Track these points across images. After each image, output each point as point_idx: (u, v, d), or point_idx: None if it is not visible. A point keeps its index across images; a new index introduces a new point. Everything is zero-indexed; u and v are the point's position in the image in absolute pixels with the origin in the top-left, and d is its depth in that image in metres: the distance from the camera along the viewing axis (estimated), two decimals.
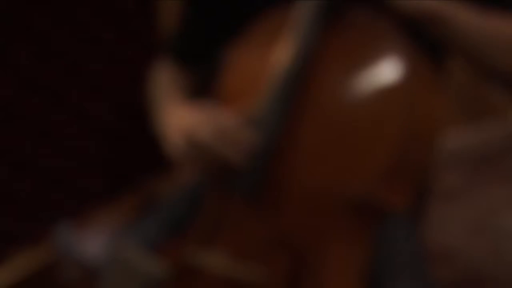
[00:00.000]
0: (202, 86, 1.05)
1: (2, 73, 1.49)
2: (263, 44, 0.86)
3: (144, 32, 1.83)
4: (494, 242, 1.90)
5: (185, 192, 1.12)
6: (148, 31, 1.82)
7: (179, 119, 0.86)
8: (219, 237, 0.81)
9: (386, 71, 0.77)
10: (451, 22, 0.80)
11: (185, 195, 1.08)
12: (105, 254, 1.07)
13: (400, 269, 0.91)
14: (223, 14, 1.04)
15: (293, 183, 0.79)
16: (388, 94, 0.75)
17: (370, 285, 0.84)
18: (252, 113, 0.79)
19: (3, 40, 1.45)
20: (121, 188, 1.93)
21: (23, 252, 1.72)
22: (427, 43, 0.81)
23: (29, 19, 1.50)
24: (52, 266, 1.73)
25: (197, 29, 1.08)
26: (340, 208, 0.76)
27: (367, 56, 0.79)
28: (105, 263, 0.54)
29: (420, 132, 0.77)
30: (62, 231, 1.67)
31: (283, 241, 0.78)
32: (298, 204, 0.78)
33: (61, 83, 1.64)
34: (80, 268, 1.73)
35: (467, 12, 0.81)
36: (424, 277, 0.95)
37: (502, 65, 0.83)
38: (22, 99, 1.56)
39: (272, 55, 0.83)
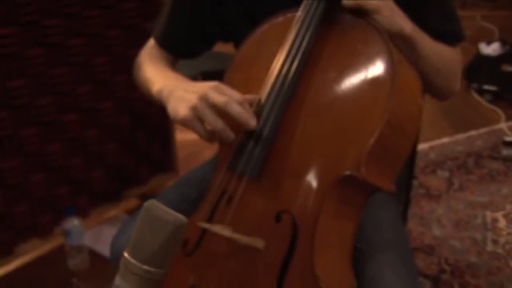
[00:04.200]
0: None
1: (21, 79, 1.54)
2: (270, 42, 0.91)
3: None
4: (473, 235, 1.93)
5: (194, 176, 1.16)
6: None
7: (190, 84, 0.88)
8: (227, 212, 0.85)
9: (371, 66, 0.82)
10: (416, 42, 0.89)
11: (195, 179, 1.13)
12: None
13: (385, 241, 0.95)
14: (211, 20, 1.07)
15: (291, 163, 0.83)
16: (376, 82, 0.80)
17: (357, 256, 0.89)
18: (257, 100, 0.84)
19: (23, 46, 1.50)
20: (127, 185, 1.97)
21: (37, 240, 1.75)
22: None
23: (50, 27, 1.56)
24: (62, 253, 1.77)
25: (184, 30, 1.10)
26: (332, 186, 0.80)
27: (355, 52, 0.84)
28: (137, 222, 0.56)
29: (403, 114, 0.82)
30: (73, 221, 1.71)
31: (280, 217, 0.83)
32: (294, 181, 0.82)
33: (78, 87, 1.69)
34: (87, 255, 1.76)
35: (427, 37, 0.93)
36: (408, 252, 0.99)
37: (442, 79, 1.00)
38: (43, 103, 1.61)
39: (278, 52, 0.88)
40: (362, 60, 0.83)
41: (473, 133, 2.75)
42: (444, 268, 1.76)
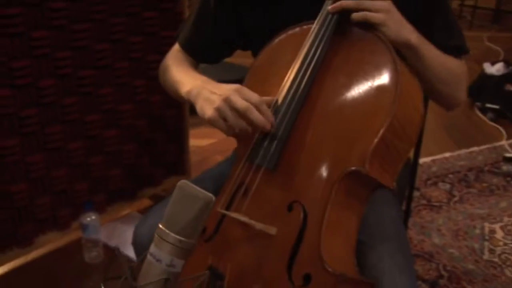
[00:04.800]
0: None
1: (50, 79, 1.64)
2: (286, 51, 1.01)
3: None
4: (471, 244, 2.01)
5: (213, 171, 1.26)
6: None
7: (215, 86, 0.97)
8: (244, 202, 0.95)
9: (377, 74, 0.92)
10: (422, 53, 0.99)
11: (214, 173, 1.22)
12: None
13: (386, 234, 1.03)
14: (231, 31, 1.17)
15: (303, 158, 0.92)
16: (381, 88, 0.90)
17: (360, 248, 0.97)
18: (274, 101, 0.94)
19: (54, 49, 1.60)
20: (142, 185, 2.05)
21: (55, 232, 1.83)
22: None
23: (78, 32, 1.66)
24: (78, 246, 1.85)
25: (206, 38, 1.20)
26: (340, 180, 0.90)
27: (363, 61, 0.94)
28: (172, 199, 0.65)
29: (405, 118, 0.91)
30: (90, 216, 1.80)
31: (292, 207, 0.92)
32: (306, 175, 0.92)
33: (101, 89, 1.79)
34: (101, 248, 1.85)
35: (432, 48, 1.01)
36: (406, 244, 1.08)
37: (447, 88, 1.07)
38: (68, 102, 1.70)
39: (294, 60, 0.97)
40: (369, 68, 0.93)
41: (475, 149, 2.83)
42: (442, 274, 1.84)
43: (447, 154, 2.75)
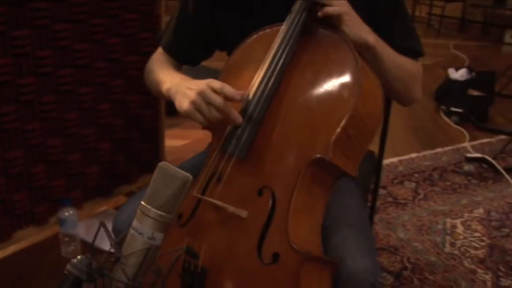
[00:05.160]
0: None
1: (30, 77, 1.69)
2: (258, 50, 1.08)
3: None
4: (434, 238, 2.12)
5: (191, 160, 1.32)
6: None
7: (192, 82, 1.04)
8: (217, 187, 1.02)
9: (340, 70, 1.00)
10: (379, 52, 1.08)
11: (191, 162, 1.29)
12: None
13: (349, 220, 1.12)
14: (209, 33, 1.25)
15: (272, 147, 1.00)
16: (343, 83, 0.99)
17: (325, 232, 1.05)
18: (246, 95, 1.01)
19: (34, 48, 1.65)
20: (118, 182, 2.10)
21: (33, 228, 1.86)
22: None
23: (59, 32, 1.72)
24: (56, 241, 1.91)
25: (187, 40, 1.27)
26: (306, 167, 0.98)
27: (328, 58, 1.03)
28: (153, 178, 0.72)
29: (365, 111, 1.00)
30: (68, 210, 1.85)
31: (262, 192, 1.00)
32: (274, 162, 0.99)
33: (80, 88, 1.85)
34: (78, 244, 1.89)
35: (389, 48, 1.11)
36: (369, 232, 1.16)
37: (401, 86, 1.17)
38: (47, 100, 1.75)
39: (264, 58, 1.05)
40: (332, 65, 1.01)
41: (439, 150, 2.96)
42: (406, 266, 1.94)
43: (413, 155, 2.87)
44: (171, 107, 2.69)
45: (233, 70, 1.12)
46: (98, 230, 0.74)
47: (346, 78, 1.00)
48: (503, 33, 5.67)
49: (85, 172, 1.97)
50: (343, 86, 0.99)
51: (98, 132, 1.95)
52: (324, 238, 1.03)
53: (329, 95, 1.00)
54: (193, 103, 0.98)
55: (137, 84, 1.99)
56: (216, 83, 1.00)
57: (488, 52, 5.30)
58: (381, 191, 2.46)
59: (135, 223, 0.75)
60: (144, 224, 0.74)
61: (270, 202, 0.98)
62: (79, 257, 0.70)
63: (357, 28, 1.03)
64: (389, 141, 3.00)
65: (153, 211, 0.74)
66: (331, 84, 1.00)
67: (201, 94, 0.98)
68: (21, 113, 1.69)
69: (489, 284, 1.86)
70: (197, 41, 1.27)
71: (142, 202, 0.75)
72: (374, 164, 1.64)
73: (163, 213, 0.74)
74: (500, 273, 1.92)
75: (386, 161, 2.75)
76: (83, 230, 1.98)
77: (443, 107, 3.49)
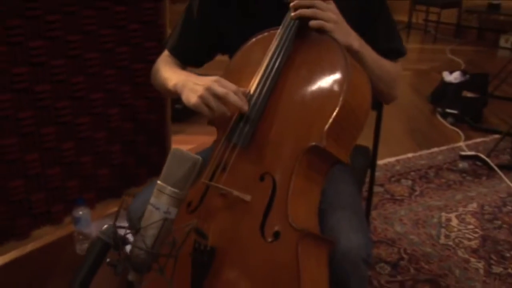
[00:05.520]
0: None
1: (46, 84, 1.81)
2: (257, 52, 1.20)
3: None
4: (429, 231, 2.22)
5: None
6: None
7: (199, 78, 1.15)
8: (223, 175, 1.13)
9: (331, 68, 1.12)
10: (363, 56, 1.19)
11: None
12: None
13: (343, 203, 1.22)
14: (212, 38, 1.37)
15: (272, 137, 1.11)
16: (334, 79, 1.10)
17: (321, 215, 1.16)
18: (247, 92, 1.13)
19: (49, 57, 1.77)
20: (127, 184, 2.21)
21: (50, 227, 1.99)
22: None
23: (72, 42, 1.84)
24: (71, 239, 2.01)
25: (191, 44, 1.39)
26: (303, 154, 1.08)
27: (320, 58, 1.14)
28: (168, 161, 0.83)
29: (355, 104, 1.11)
30: (82, 209, 1.96)
31: (264, 177, 1.10)
32: (274, 151, 1.10)
33: (91, 94, 1.96)
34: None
35: (372, 52, 1.22)
36: (362, 215, 1.27)
37: (383, 85, 1.28)
38: (61, 106, 1.87)
39: (263, 59, 1.17)
40: (325, 63, 1.13)
41: (435, 149, 3.07)
42: (403, 257, 2.04)
43: (409, 155, 2.98)
44: (176, 114, 2.81)
45: (234, 70, 1.23)
46: (120, 208, 0.85)
47: (336, 74, 1.11)
48: (498, 37, 5.79)
49: (97, 174, 2.08)
50: (334, 81, 1.10)
51: (108, 136, 2.07)
52: (320, 220, 1.14)
53: (322, 90, 1.11)
54: (201, 97, 1.09)
55: (144, 90, 2.11)
56: (223, 80, 1.11)
57: (484, 56, 5.41)
58: (379, 189, 2.56)
59: (152, 200, 0.86)
60: (160, 200, 0.85)
61: (271, 186, 1.09)
62: (106, 225, 0.81)
63: (343, 34, 1.14)
64: (387, 142, 3.13)
65: (169, 189, 0.85)
66: (324, 80, 1.12)
67: (208, 89, 1.09)
68: (38, 118, 1.81)
69: (481, 271, 1.96)
70: (201, 44, 1.39)
71: (158, 182, 0.86)
72: (369, 159, 1.75)
73: (176, 190, 0.85)
74: (492, 261, 2.02)
75: (383, 161, 2.86)
76: (96, 229, 2.08)
77: (439, 109, 3.60)
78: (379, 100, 1.38)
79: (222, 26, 1.35)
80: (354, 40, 1.17)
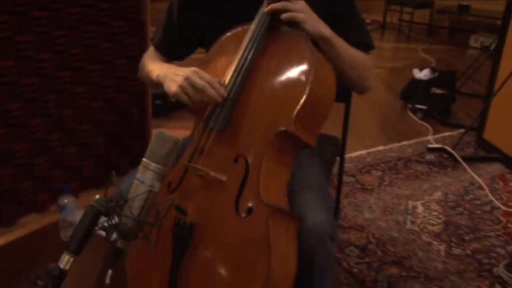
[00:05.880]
0: None
1: (33, 78, 1.90)
2: (231, 45, 1.31)
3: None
4: (396, 218, 2.36)
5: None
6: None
7: (179, 69, 1.25)
8: (201, 157, 1.24)
9: (299, 60, 1.24)
10: (334, 43, 1.31)
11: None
12: None
13: (310, 185, 1.34)
14: (191, 34, 1.48)
15: (245, 122, 1.22)
16: (301, 70, 1.22)
17: (291, 195, 1.27)
18: (222, 82, 1.24)
19: (36, 51, 1.86)
20: (110, 174, 2.30)
21: (36, 215, 2.08)
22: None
23: (57, 37, 1.93)
24: (56, 227, 2.08)
25: (173, 40, 1.50)
26: (274, 138, 1.20)
27: (289, 51, 1.26)
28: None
29: (320, 92, 1.23)
30: (67, 197, 2.05)
31: (238, 159, 1.22)
32: (247, 135, 1.22)
33: (76, 87, 2.06)
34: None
35: (342, 41, 1.33)
36: (327, 195, 1.39)
37: (355, 74, 1.39)
38: (48, 98, 1.97)
39: (237, 51, 1.28)
40: (293, 56, 1.25)
41: (404, 143, 3.22)
42: (371, 241, 2.17)
43: (380, 147, 3.12)
44: (156, 110, 2.91)
45: (210, 61, 1.34)
46: (110, 180, 0.96)
47: (304, 66, 1.23)
48: (468, 37, 5.98)
49: (82, 165, 2.17)
50: (302, 72, 1.22)
51: (92, 128, 2.16)
52: (290, 200, 1.25)
53: (290, 80, 1.23)
54: (180, 86, 1.20)
55: (126, 84, 2.21)
56: (200, 71, 1.22)
57: (454, 55, 5.60)
58: (350, 179, 2.70)
59: (138, 175, 0.97)
60: (145, 175, 0.96)
61: (244, 167, 1.20)
62: (98, 196, 0.91)
63: (314, 24, 1.26)
64: (359, 136, 3.28)
65: (153, 165, 0.96)
66: (292, 71, 1.24)
67: (187, 79, 1.21)
68: (25, 110, 1.89)
69: (442, 253, 2.10)
70: (181, 41, 1.50)
71: (144, 159, 0.97)
72: (338, 148, 1.87)
73: (160, 166, 0.96)
74: (453, 244, 2.16)
75: (355, 153, 2.99)
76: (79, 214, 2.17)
77: (409, 105, 3.75)
78: (353, 90, 1.49)
79: (200, 23, 1.46)
80: (324, 29, 1.28)
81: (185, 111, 1.35)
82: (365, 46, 1.46)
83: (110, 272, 0.96)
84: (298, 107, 1.19)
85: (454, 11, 6.10)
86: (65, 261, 0.88)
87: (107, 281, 0.96)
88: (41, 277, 0.87)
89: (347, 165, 2.84)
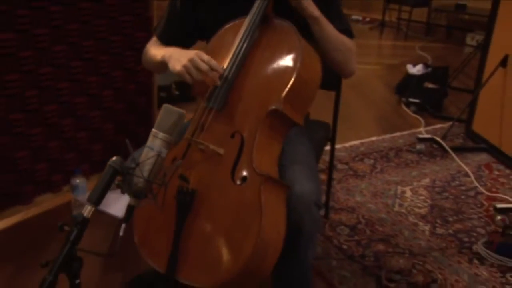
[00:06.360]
0: None
1: (48, 67, 2.07)
2: (229, 36, 1.48)
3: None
4: (386, 201, 2.52)
5: None
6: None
7: (184, 51, 1.42)
8: (201, 133, 1.41)
9: (289, 48, 1.40)
10: (323, 24, 1.47)
11: None
12: None
13: (299, 159, 1.51)
14: (193, 26, 1.65)
15: (241, 102, 1.39)
16: (290, 56, 1.39)
17: (281, 169, 1.44)
18: (222, 67, 1.41)
19: (50, 43, 2.04)
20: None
21: (50, 194, 2.26)
22: (309, 34, 1.47)
23: (70, 30, 2.10)
24: (69, 206, 2.27)
25: (175, 31, 1.66)
26: (265, 116, 1.36)
27: (280, 40, 1.43)
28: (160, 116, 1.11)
29: (307, 77, 1.40)
30: (79, 178, 2.22)
31: (234, 135, 1.38)
32: (243, 113, 1.38)
33: (88, 77, 2.23)
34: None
35: (330, 24, 1.49)
36: (315, 169, 1.55)
37: (341, 56, 1.53)
38: (62, 86, 2.14)
39: (234, 41, 1.45)
40: (283, 45, 1.41)
41: (397, 134, 3.38)
42: (360, 221, 2.34)
43: (373, 138, 3.29)
44: (160, 101, 3.11)
45: (211, 50, 1.51)
46: (126, 147, 1.12)
47: (292, 53, 1.40)
48: (464, 36, 6.14)
49: (92, 149, 2.35)
50: (290, 58, 1.39)
51: (102, 115, 2.33)
52: (280, 173, 1.42)
53: (280, 65, 1.40)
54: (184, 66, 1.37)
55: (134, 75, 2.38)
56: (203, 54, 1.39)
57: (450, 53, 5.75)
58: (343, 166, 2.86)
59: (148, 143, 1.14)
60: (154, 143, 1.13)
61: (240, 142, 1.37)
62: (115, 157, 1.08)
63: (306, 3, 1.43)
64: (355, 127, 3.45)
65: (161, 134, 1.13)
66: (282, 58, 1.40)
67: (191, 60, 1.37)
68: (41, 97, 2.07)
69: (427, 232, 2.26)
70: (182, 31, 1.66)
71: (153, 129, 1.14)
72: (328, 132, 2.04)
73: (167, 135, 1.13)
74: (437, 225, 2.33)
75: (349, 143, 3.16)
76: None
77: (403, 98, 3.91)
78: (339, 73, 1.63)
79: (201, 16, 1.63)
80: (314, 9, 1.45)
81: (187, 104, 1.53)
82: (348, 32, 1.61)
83: (123, 226, 1.13)
84: (287, 89, 1.36)
85: (451, 10, 6.26)
86: (88, 210, 1.04)
87: (121, 233, 1.12)
88: (67, 223, 1.03)
89: (341, 154, 3.01)
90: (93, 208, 1.04)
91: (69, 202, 2.28)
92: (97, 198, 1.05)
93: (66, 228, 1.02)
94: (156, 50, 1.59)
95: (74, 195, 2.24)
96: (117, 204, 2.20)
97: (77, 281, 1.04)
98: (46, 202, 2.26)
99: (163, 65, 1.49)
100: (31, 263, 1.97)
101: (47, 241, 2.14)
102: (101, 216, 2.21)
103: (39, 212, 2.25)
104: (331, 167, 2.21)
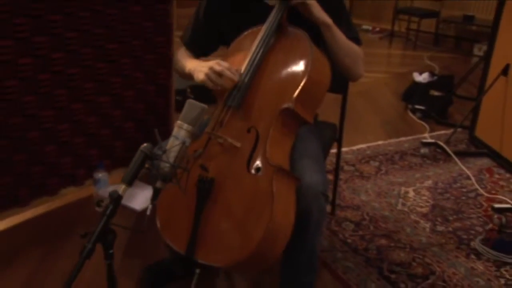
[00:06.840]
0: None
1: (72, 66, 2.23)
2: (247, 42, 1.63)
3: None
4: (389, 200, 2.65)
5: None
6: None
7: (205, 63, 1.58)
8: (220, 129, 1.56)
9: (301, 54, 1.55)
10: (334, 31, 1.62)
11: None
12: None
13: (308, 154, 1.65)
14: (215, 34, 1.81)
15: (256, 101, 1.54)
16: (302, 61, 1.54)
17: (292, 161, 1.58)
18: (239, 70, 1.56)
19: (74, 42, 2.19)
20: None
21: (74, 188, 2.40)
22: (319, 41, 1.62)
23: (96, 34, 2.26)
24: (91, 200, 2.41)
25: (200, 38, 1.82)
26: (279, 114, 1.51)
27: (293, 46, 1.58)
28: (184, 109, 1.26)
29: (317, 79, 1.54)
30: (101, 172, 2.37)
31: (250, 130, 1.53)
32: (258, 111, 1.53)
33: (111, 78, 2.39)
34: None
35: (339, 31, 1.64)
36: (322, 163, 1.69)
37: (349, 60, 1.67)
38: (87, 86, 2.30)
39: (251, 46, 1.60)
40: (296, 50, 1.56)
41: (402, 138, 3.51)
42: (365, 218, 2.47)
43: (380, 142, 3.42)
44: (177, 104, 3.26)
45: (231, 54, 1.66)
46: (155, 135, 1.27)
47: (304, 58, 1.54)
48: (472, 46, 6.26)
49: (114, 145, 2.50)
50: (302, 62, 1.54)
51: (123, 114, 2.49)
52: (291, 166, 1.57)
53: (293, 68, 1.55)
54: (206, 75, 1.53)
55: (153, 77, 2.54)
56: (221, 61, 1.54)
57: (458, 63, 5.87)
58: (350, 168, 3.00)
59: (174, 133, 1.28)
60: (179, 133, 1.28)
61: (255, 136, 1.51)
62: (146, 144, 1.23)
63: (319, 11, 1.58)
64: (362, 132, 3.58)
65: (185, 125, 1.27)
66: (295, 62, 1.55)
67: (211, 68, 1.53)
68: (68, 95, 2.22)
69: (427, 229, 2.39)
70: (207, 39, 1.82)
71: (178, 121, 1.29)
72: (335, 132, 2.18)
73: (190, 127, 1.27)
74: (437, 223, 2.45)
75: (356, 147, 3.30)
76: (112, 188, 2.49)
77: (409, 105, 4.04)
78: (347, 77, 1.77)
79: (223, 25, 1.78)
80: (327, 17, 1.60)
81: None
82: (356, 40, 1.75)
83: (150, 206, 1.27)
84: (299, 89, 1.50)
85: (459, 21, 6.38)
86: (122, 189, 1.19)
87: (148, 212, 1.27)
88: (103, 200, 1.18)
89: (348, 156, 3.14)
90: (126, 187, 1.18)
91: (90, 195, 2.43)
92: (130, 179, 1.19)
93: (102, 204, 1.17)
94: (184, 61, 1.76)
95: (96, 188, 2.39)
96: (136, 199, 2.35)
97: (111, 251, 1.18)
98: (69, 195, 2.41)
99: (190, 75, 1.66)
100: (55, 250, 2.12)
101: (70, 230, 2.29)
102: (122, 209, 2.35)
103: (62, 204, 2.40)
104: (337, 167, 2.35)
